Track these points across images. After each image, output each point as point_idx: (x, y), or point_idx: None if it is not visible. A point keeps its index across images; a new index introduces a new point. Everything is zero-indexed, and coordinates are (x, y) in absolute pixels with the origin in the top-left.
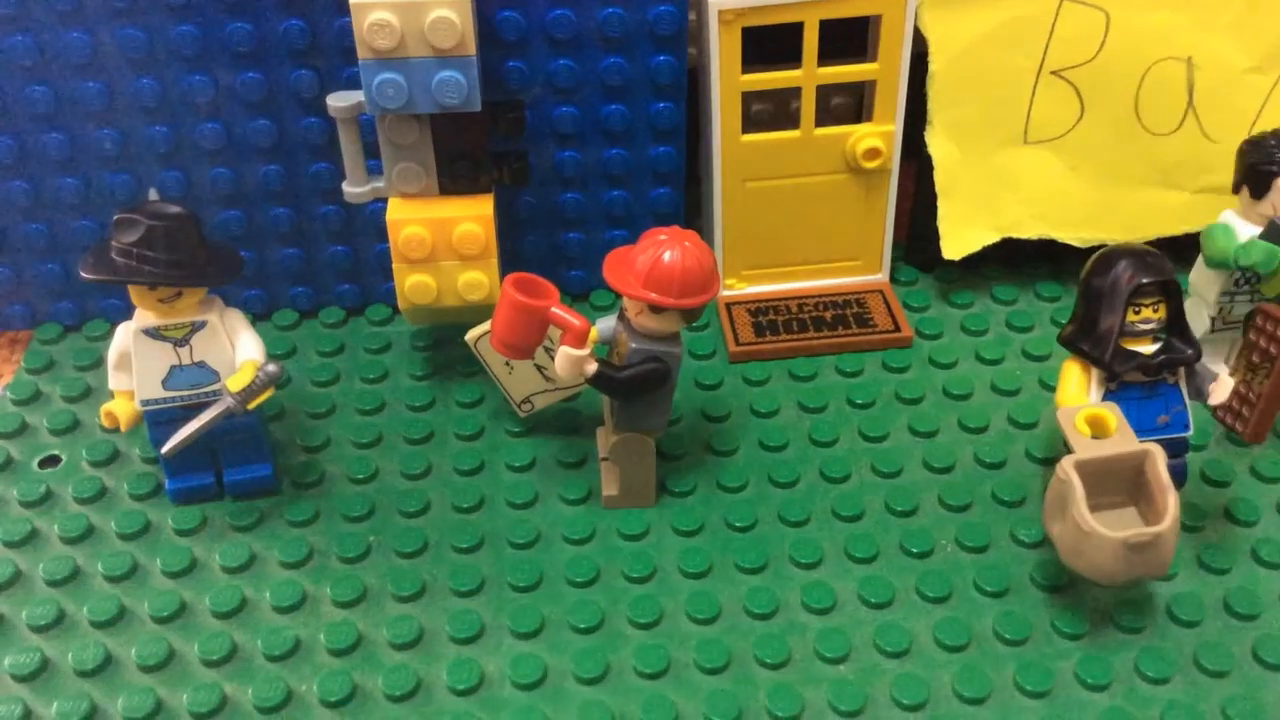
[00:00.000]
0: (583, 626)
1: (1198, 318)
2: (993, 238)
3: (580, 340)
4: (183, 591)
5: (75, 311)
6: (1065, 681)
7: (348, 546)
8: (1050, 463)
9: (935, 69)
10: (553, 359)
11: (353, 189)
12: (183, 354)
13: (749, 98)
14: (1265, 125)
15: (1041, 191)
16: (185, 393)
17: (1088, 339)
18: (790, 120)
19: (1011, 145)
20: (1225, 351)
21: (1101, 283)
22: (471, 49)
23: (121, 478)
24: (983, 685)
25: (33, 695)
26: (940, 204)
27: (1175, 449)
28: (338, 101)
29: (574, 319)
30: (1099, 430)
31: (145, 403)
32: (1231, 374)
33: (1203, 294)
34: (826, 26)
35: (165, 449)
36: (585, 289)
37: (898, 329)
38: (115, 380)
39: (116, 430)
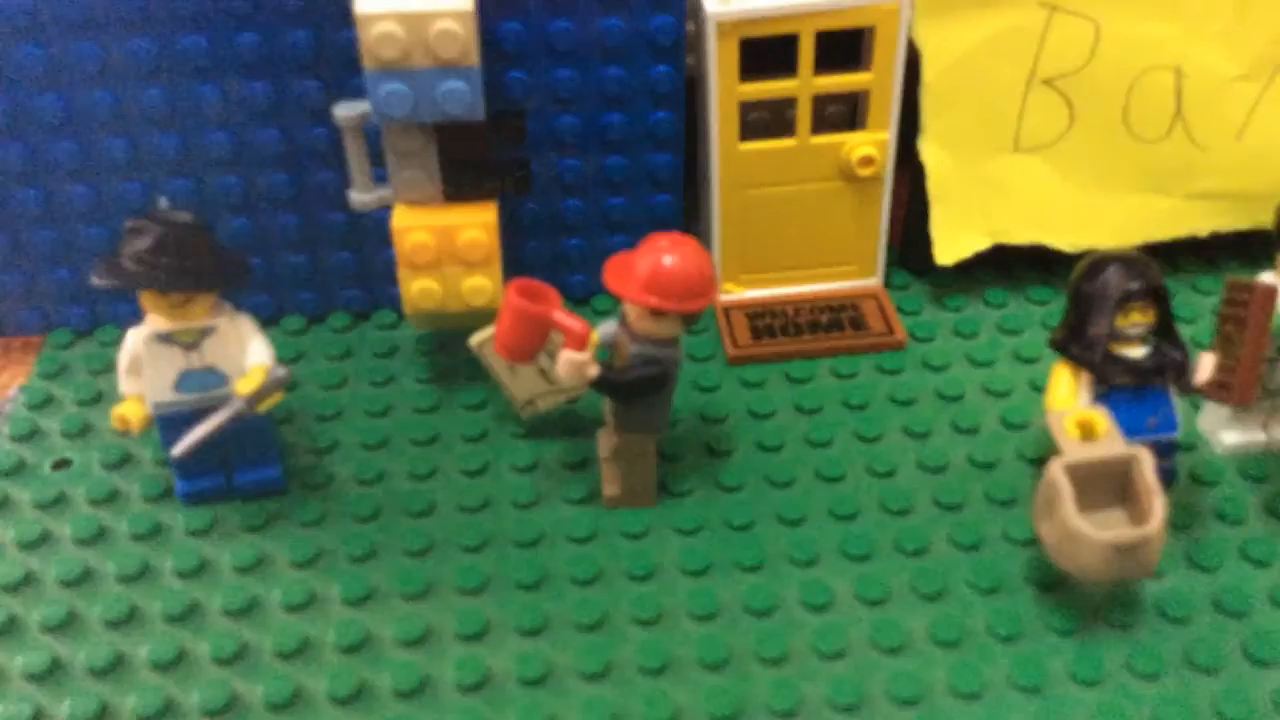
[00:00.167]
0: (585, 624)
1: None
2: (984, 243)
3: (581, 344)
4: (193, 591)
5: (87, 317)
6: (1058, 678)
7: (355, 546)
8: (1041, 463)
9: (928, 79)
10: (555, 362)
11: (359, 197)
12: (193, 358)
13: (746, 105)
14: (1253, 132)
15: (1032, 198)
16: (196, 396)
17: (1077, 343)
18: (786, 126)
19: (1003, 153)
20: (1262, 419)
21: (1091, 288)
22: (475, 59)
23: (133, 480)
24: (976, 681)
25: (44, 694)
26: (933, 210)
27: (1164, 450)
28: (344, 111)
29: (575, 323)
30: (1088, 433)
31: (156, 406)
32: (1212, 352)
33: None
34: (822, 37)
35: (176, 451)
36: (586, 294)
37: (892, 332)
38: (126, 384)
39: (128, 433)
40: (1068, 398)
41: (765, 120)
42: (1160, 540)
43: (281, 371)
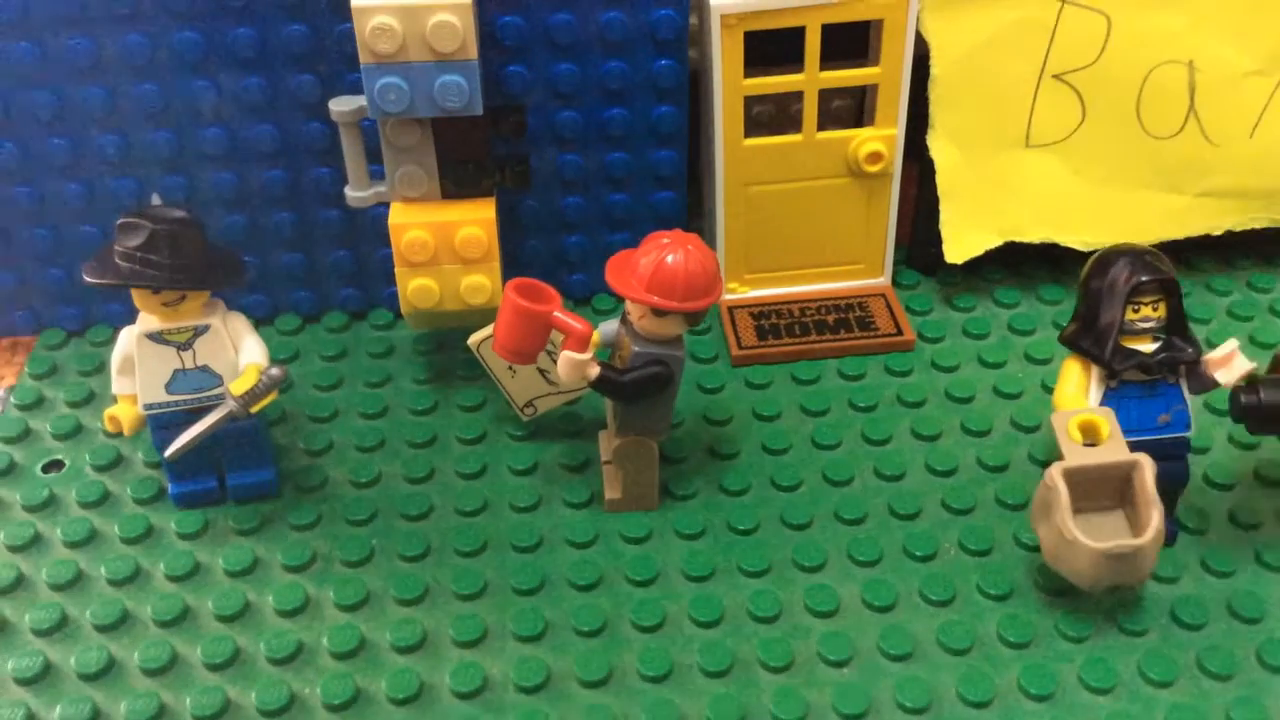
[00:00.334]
0: (586, 630)
1: None
2: (995, 241)
3: (583, 344)
4: (186, 595)
5: (78, 317)
6: (1069, 685)
7: (350, 550)
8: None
9: (937, 73)
10: (555, 363)
11: (355, 193)
12: (186, 358)
13: (750, 100)
14: (1267, 128)
15: (1043, 195)
16: (188, 397)
17: (1088, 337)
18: (791, 121)
19: (1013, 149)
20: None
21: (1101, 281)
22: (473, 53)
23: (124, 482)
24: (986, 688)
25: (36, 699)
26: (942, 208)
27: (1176, 448)
28: (340, 106)
29: (576, 323)
30: (1092, 436)
31: (148, 407)
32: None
33: None
34: (828, 30)
35: (168, 453)
36: (587, 292)
37: (900, 332)
38: (118, 385)
39: (120, 435)
40: (1077, 394)
41: (770, 115)
42: (1155, 549)
43: (276, 371)
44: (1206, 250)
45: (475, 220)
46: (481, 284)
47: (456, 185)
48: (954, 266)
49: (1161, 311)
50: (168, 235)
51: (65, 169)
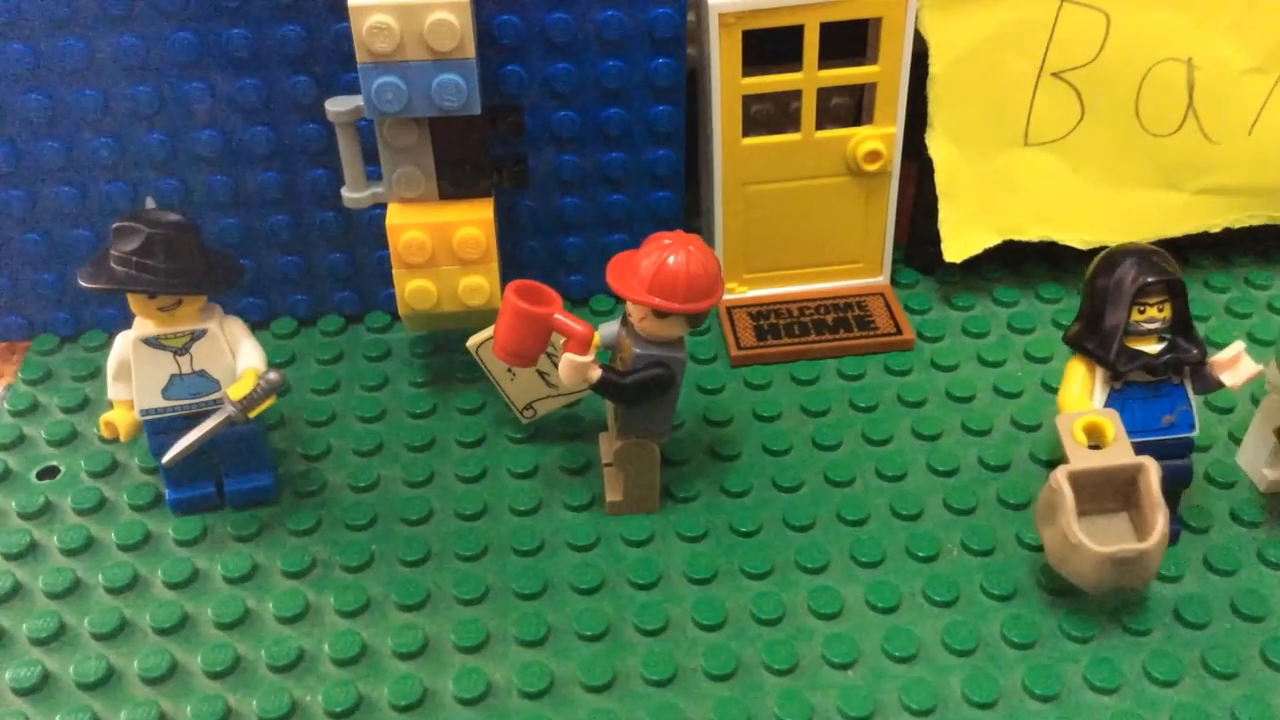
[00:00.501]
0: (588, 634)
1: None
2: (994, 240)
3: (583, 347)
4: (184, 603)
5: (72, 322)
6: (1074, 685)
7: (350, 555)
8: (1054, 465)
9: (936, 71)
10: (555, 365)
11: (352, 194)
12: (183, 363)
13: (749, 99)
14: (1265, 126)
15: (1042, 193)
16: (185, 402)
17: (1092, 338)
18: (789, 119)
19: (1012, 147)
20: None
21: (1106, 281)
22: (471, 51)
23: (121, 488)
24: (991, 689)
25: (34, 709)
26: (941, 206)
27: (1180, 449)
28: (336, 106)
29: (577, 325)
30: (1097, 438)
31: (145, 412)
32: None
33: None
34: (826, 28)
35: (166, 459)
36: (585, 293)
37: (899, 332)
38: (114, 390)
39: (116, 441)
40: (1081, 395)
41: (768, 114)
42: (1160, 553)
43: (273, 375)
44: (1205, 248)
45: (473, 221)
46: (479, 285)
47: (454, 186)
48: (953, 265)
49: (1167, 312)
50: (163, 239)
51: (58, 172)
